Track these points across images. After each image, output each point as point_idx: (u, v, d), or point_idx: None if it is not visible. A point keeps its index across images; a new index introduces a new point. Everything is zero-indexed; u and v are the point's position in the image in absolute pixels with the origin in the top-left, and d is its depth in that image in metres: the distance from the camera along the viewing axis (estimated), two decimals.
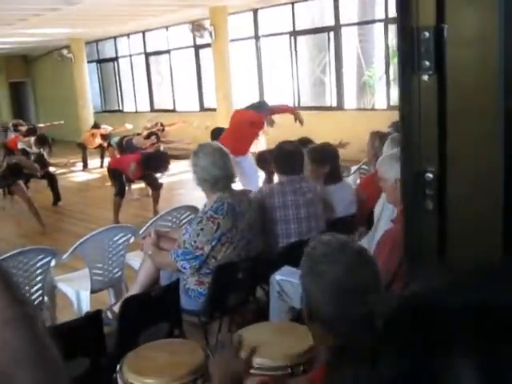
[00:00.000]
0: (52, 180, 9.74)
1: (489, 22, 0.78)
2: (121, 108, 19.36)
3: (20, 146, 10.89)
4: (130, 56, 18.23)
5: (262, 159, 6.43)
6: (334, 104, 12.83)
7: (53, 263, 3.99)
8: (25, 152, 10.32)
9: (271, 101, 13.86)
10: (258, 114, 6.93)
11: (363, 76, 12.69)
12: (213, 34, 12.37)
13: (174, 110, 16.76)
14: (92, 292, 4.19)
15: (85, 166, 13.69)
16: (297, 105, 13.41)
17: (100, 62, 19.68)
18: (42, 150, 10.31)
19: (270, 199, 3.95)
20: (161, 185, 8.61)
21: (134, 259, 4.41)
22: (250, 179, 6.88)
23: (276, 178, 4.86)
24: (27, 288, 3.80)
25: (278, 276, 3.60)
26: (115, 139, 11.92)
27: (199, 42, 14.61)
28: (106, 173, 9.15)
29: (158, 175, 8.81)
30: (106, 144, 13.04)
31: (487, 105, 0.80)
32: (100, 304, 4.35)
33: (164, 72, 17.19)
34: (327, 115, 12.47)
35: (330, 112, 12.63)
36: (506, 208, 0.80)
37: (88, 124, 15.77)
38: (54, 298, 4.20)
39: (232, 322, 3.80)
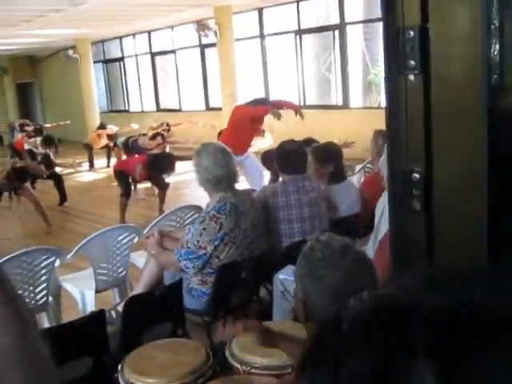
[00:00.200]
0: (58, 180, 9.78)
1: (473, 21, 0.78)
2: (127, 108, 19.41)
3: (26, 146, 10.95)
4: (136, 56, 18.27)
5: (268, 158, 6.42)
6: (340, 103, 12.81)
7: (57, 263, 4.01)
8: (31, 152, 10.38)
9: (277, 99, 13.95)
10: (258, 109, 6.92)
11: (369, 74, 12.66)
12: (218, 33, 12.38)
13: (179, 110, 16.78)
14: (97, 292, 4.21)
15: (91, 165, 13.74)
16: (302, 103, 13.40)
17: (106, 62, 19.73)
18: (48, 150, 10.35)
19: (273, 198, 3.95)
20: (167, 184, 8.63)
21: (139, 259, 4.43)
22: (254, 178, 6.89)
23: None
24: (32, 288, 3.82)
25: (281, 275, 3.60)
26: (121, 139, 11.97)
27: (204, 41, 14.63)
28: (112, 173, 9.18)
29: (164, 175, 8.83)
30: (112, 144, 13.08)
31: (472, 104, 0.80)
32: (105, 303, 4.37)
33: (170, 72, 17.21)
34: (333, 114, 12.45)
35: (335, 111, 12.61)
36: (490, 207, 0.80)
37: (94, 124, 15.81)
38: (59, 297, 4.21)
39: (236, 321, 3.80)
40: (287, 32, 13.39)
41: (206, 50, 15.33)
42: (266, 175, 7.12)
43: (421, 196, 0.86)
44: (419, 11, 0.81)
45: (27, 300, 3.81)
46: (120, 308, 3.59)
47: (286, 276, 3.57)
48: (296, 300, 1.80)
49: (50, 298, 3.99)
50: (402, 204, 0.89)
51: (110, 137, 13.19)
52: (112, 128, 13.61)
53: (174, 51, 16.62)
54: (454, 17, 0.82)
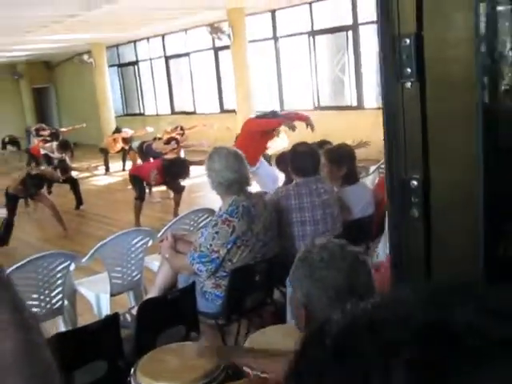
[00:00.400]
0: (74, 184, 9.87)
1: (466, 28, 0.78)
2: (142, 111, 19.51)
3: (42, 151, 11.06)
4: (150, 59, 18.36)
5: (282, 161, 6.43)
6: (354, 103, 12.78)
7: (72, 267, 4.04)
8: (47, 157, 10.48)
9: (291, 101, 13.96)
10: (269, 123, 6.97)
11: None
12: (231, 35, 12.40)
13: (194, 112, 16.84)
14: (112, 295, 4.23)
15: (107, 169, 13.83)
16: (316, 105, 13.40)
17: (121, 66, 19.86)
18: (64, 155, 10.45)
19: (286, 201, 3.95)
20: (183, 188, 8.66)
21: (153, 262, 4.45)
22: (268, 184, 6.90)
23: None
24: (47, 292, 3.86)
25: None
26: (136, 143, 12.04)
27: (218, 43, 14.66)
28: (128, 176, 9.24)
29: None
30: (127, 147, 13.16)
31: (468, 111, 0.80)
32: (120, 307, 4.40)
33: (184, 74, 17.27)
34: (347, 114, 12.42)
35: (349, 111, 12.58)
36: (486, 214, 0.79)
37: (110, 128, 15.92)
38: (75, 301, 4.24)
39: (250, 324, 3.81)
40: (300, 33, 13.39)
41: (220, 53, 15.37)
42: (281, 179, 7.13)
43: (419, 203, 0.86)
44: (415, 19, 0.81)
45: (43, 304, 3.85)
46: (135, 311, 3.61)
47: None
48: (295, 305, 1.80)
49: (66, 302, 4.02)
50: (400, 211, 0.89)
51: (126, 140, 13.27)
52: (127, 131, 13.70)
53: (187, 54, 16.69)
54: (447, 24, 0.82)
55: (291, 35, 13.71)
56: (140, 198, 8.32)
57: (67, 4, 9.20)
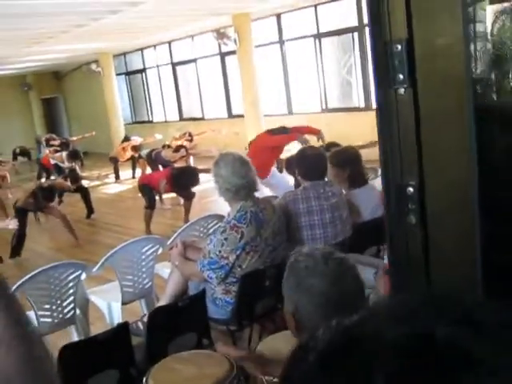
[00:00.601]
0: (85, 193, 9.91)
1: (456, 32, 0.78)
2: (150, 118, 19.59)
3: (52, 161, 11.13)
4: (158, 67, 18.44)
5: (291, 165, 6.45)
6: (362, 105, 12.76)
7: (83, 276, 4.06)
8: (58, 167, 10.54)
9: (299, 104, 13.96)
10: (280, 139, 7.01)
11: None
12: (237, 40, 12.43)
13: (202, 118, 16.88)
14: (123, 303, 4.25)
15: (117, 177, 13.89)
16: (324, 107, 13.40)
17: (128, 74, 19.95)
18: (73, 164, 10.51)
19: (295, 205, 3.94)
20: (193, 195, 8.67)
21: (164, 270, 4.46)
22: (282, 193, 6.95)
23: None
24: (59, 302, 3.88)
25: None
26: (145, 151, 12.09)
27: (224, 49, 14.70)
28: (138, 185, 9.27)
29: None
30: (137, 155, 13.22)
31: (459, 116, 0.79)
32: (132, 315, 4.41)
33: (191, 81, 17.32)
34: (355, 116, 12.40)
35: (357, 113, 12.56)
36: (482, 218, 0.79)
37: (119, 136, 16.00)
38: (87, 310, 4.26)
39: (263, 329, 3.80)
40: (306, 36, 13.40)
41: (227, 58, 15.40)
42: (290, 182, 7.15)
43: (416, 210, 0.86)
44: (405, 24, 0.81)
45: (55, 314, 3.87)
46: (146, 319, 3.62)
47: None
48: (286, 313, 1.81)
49: (78, 311, 4.04)
50: (397, 218, 0.89)
51: (135, 148, 13.33)
52: (136, 139, 13.76)
53: (194, 60, 16.74)
54: (438, 28, 0.81)
55: (297, 38, 13.72)
56: (150, 206, 8.36)
57: (74, 15, 9.26)
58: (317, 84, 13.46)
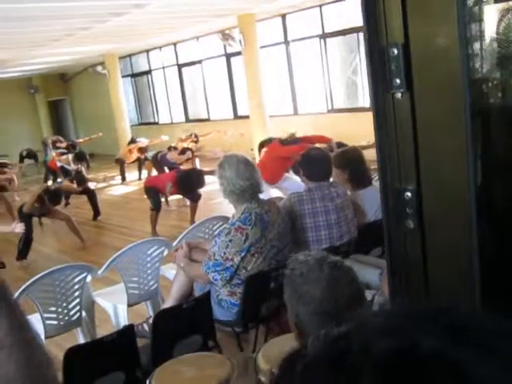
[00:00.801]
0: (91, 195, 9.93)
1: (451, 35, 0.77)
2: (156, 120, 19.61)
3: (59, 164, 11.16)
4: (163, 68, 18.46)
5: (297, 166, 6.49)
6: (367, 105, 12.73)
7: (89, 278, 4.07)
8: (64, 169, 10.56)
9: (304, 104, 13.95)
10: (291, 150, 7.04)
11: None
12: (242, 41, 12.42)
13: (208, 119, 16.89)
14: (129, 305, 4.25)
15: (123, 179, 13.91)
16: (330, 107, 13.38)
17: (134, 75, 19.99)
18: (80, 166, 10.53)
19: (300, 206, 3.94)
20: (199, 196, 8.68)
21: (169, 271, 4.47)
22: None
23: None
24: (65, 304, 3.89)
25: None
26: (151, 154, 12.11)
27: (230, 50, 14.70)
28: (143, 188, 9.29)
29: None
30: (143, 157, 13.24)
31: (457, 120, 0.79)
32: (138, 317, 4.43)
33: (197, 82, 17.34)
34: (361, 116, 12.37)
35: (363, 113, 12.53)
36: (479, 222, 0.79)
37: (125, 137, 16.01)
38: (93, 312, 4.26)
39: (268, 331, 3.80)
40: (311, 36, 13.38)
41: (232, 59, 15.40)
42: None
43: (414, 214, 0.85)
44: (402, 28, 0.80)
45: (61, 316, 3.88)
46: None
47: None
48: (290, 321, 1.81)
49: (84, 313, 4.05)
50: (395, 223, 0.88)
51: (141, 150, 13.36)
52: (143, 141, 13.78)
53: (200, 61, 16.75)
54: (434, 31, 0.81)
55: (302, 39, 13.71)
56: (156, 208, 8.38)
57: (79, 17, 9.28)
58: (322, 84, 13.45)
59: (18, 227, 5.99)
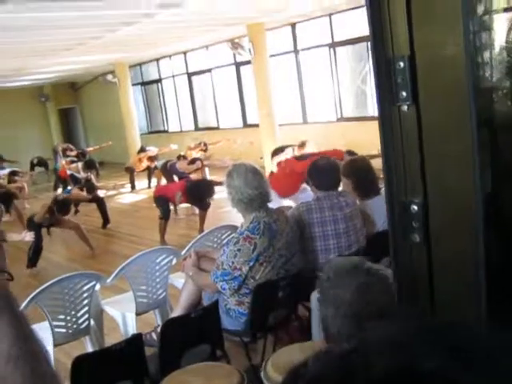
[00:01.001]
0: (101, 203, 9.97)
1: (457, 46, 0.77)
2: (166, 128, 19.67)
3: (69, 172, 11.22)
4: (173, 77, 18.53)
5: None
6: (377, 114, 12.69)
7: (97, 287, 4.08)
8: (74, 177, 10.61)
9: (314, 113, 13.96)
10: (307, 163, 7.06)
11: None
12: (252, 50, 12.46)
13: (217, 128, 16.92)
14: (137, 314, 4.25)
15: (132, 187, 13.96)
16: (339, 116, 13.37)
17: (144, 84, 20.08)
18: (89, 174, 10.58)
19: (308, 215, 3.93)
20: (208, 205, 8.69)
21: (178, 280, 4.47)
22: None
23: None
24: (73, 312, 3.90)
25: (317, 294, 3.56)
26: (160, 163, 12.15)
27: (239, 59, 14.74)
28: (153, 197, 9.31)
29: None
30: (153, 165, 13.28)
31: (463, 133, 0.79)
32: (147, 325, 4.43)
33: (206, 90, 17.39)
34: (370, 125, 12.35)
35: (372, 122, 12.51)
36: (486, 234, 0.78)
37: (135, 146, 16.07)
38: (101, 320, 4.27)
39: (276, 340, 3.79)
40: (321, 45, 13.40)
41: (242, 68, 15.45)
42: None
43: (420, 228, 0.85)
44: (408, 39, 0.80)
45: (69, 324, 3.88)
46: None
47: None
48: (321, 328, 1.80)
49: (92, 322, 4.05)
50: (401, 236, 0.88)
51: (151, 158, 13.41)
52: (152, 150, 13.84)
53: (209, 70, 16.80)
54: (440, 43, 0.81)
55: (312, 48, 13.73)
56: (164, 217, 8.40)
57: (90, 27, 9.36)
58: (332, 93, 13.45)
59: (28, 236, 6.02)
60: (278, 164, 7.69)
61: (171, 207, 8.96)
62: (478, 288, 0.80)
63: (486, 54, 0.90)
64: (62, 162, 13.40)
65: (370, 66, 12.50)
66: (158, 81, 19.30)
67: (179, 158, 11.63)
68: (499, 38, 1.04)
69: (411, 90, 0.82)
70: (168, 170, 11.08)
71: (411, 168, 0.85)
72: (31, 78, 18.36)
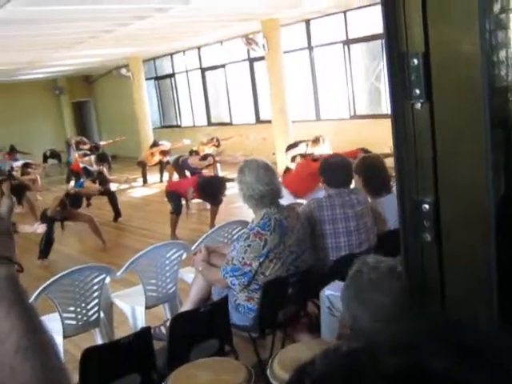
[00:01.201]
0: (112, 197, 10.01)
1: (473, 44, 0.76)
2: (179, 123, 19.70)
3: (82, 165, 11.28)
4: (187, 72, 18.54)
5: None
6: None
7: (108, 280, 4.09)
8: (86, 170, 10.66)
9: (327, 110, 13.92)
10: None
11: None
12: (266, 46, 12.43)
13: (230, 123, 16.92)
14: (147, 308, 4.27)
15: (144, 181, 14.00)
16: (352, 113, 13.33)
17: (158, 78, 20.11)
18: (102, 167, 10.62)
19: (319, 212, 3.92)
20: (220, 200, 8.69)
21: (188, 275, 4.47)
22: None
23: None
24: (84, 305, 3.91)
25: (327, 291, 3.55)
26: (172, 158, 12.18)
27: (253, 54, 14.72)
28: (165, 192, 9.33)
29: None
30: (165, 160, 13.31)
31: (477, 131, 0.78)
32: (156, 319, 4.44)
33: (220, 86, 17.39)
34: (384, 123, 12.27)
35: (386, 120, 12.43)
36: (498, 235, 0.77)
37: (148, 140, 16.11)
38: (111, 313, 4.29)
39: (285, 336, 3.79)
40: (335, 42, 13.35)
41: (255, 64, 15.43)
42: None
43: (432, 227, 0.84)
44: (423, 36, 0.79)
45: (79, 316, 3.90)
46: None
47: (332, 292, 3.53)
48: (341, 321, 1.78)
49: (102, 314, 4.07)
50: (412, 235, 0.87)
51: (164, 153, 13.43)
52: (165, 144, 13.86)
53: (223, 65, 16.80)
54: (454, 41, 0.80)
55: (326, 44, 13.68)
56: (176, 212, 8.42)
57: (102, 20, 9.37)
58: (345, 90, 13.40)
59: (40, 228, 6.05)
60: (293, 159, 7.64)
61: (183, 202, 8.98)
62: (489, 287, 0.79)
63: (502, 53, 0.89)
64: (75, 154, 13.46)
65: (384, 64, 12.45)
66: (172, 75, 19.32)
67: (191, 153, 11.65)
68: None
69: (425, 87, 0.81)
70: (180, 166, 11.10)
71: (423, 166, 0.84)
72: (45, 71, 18.45)
